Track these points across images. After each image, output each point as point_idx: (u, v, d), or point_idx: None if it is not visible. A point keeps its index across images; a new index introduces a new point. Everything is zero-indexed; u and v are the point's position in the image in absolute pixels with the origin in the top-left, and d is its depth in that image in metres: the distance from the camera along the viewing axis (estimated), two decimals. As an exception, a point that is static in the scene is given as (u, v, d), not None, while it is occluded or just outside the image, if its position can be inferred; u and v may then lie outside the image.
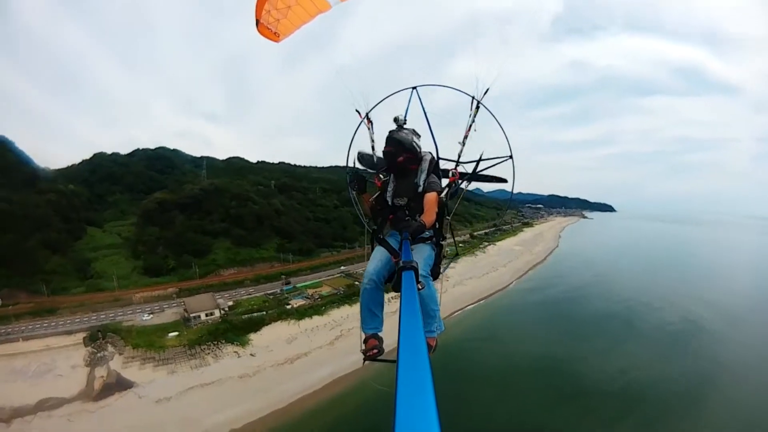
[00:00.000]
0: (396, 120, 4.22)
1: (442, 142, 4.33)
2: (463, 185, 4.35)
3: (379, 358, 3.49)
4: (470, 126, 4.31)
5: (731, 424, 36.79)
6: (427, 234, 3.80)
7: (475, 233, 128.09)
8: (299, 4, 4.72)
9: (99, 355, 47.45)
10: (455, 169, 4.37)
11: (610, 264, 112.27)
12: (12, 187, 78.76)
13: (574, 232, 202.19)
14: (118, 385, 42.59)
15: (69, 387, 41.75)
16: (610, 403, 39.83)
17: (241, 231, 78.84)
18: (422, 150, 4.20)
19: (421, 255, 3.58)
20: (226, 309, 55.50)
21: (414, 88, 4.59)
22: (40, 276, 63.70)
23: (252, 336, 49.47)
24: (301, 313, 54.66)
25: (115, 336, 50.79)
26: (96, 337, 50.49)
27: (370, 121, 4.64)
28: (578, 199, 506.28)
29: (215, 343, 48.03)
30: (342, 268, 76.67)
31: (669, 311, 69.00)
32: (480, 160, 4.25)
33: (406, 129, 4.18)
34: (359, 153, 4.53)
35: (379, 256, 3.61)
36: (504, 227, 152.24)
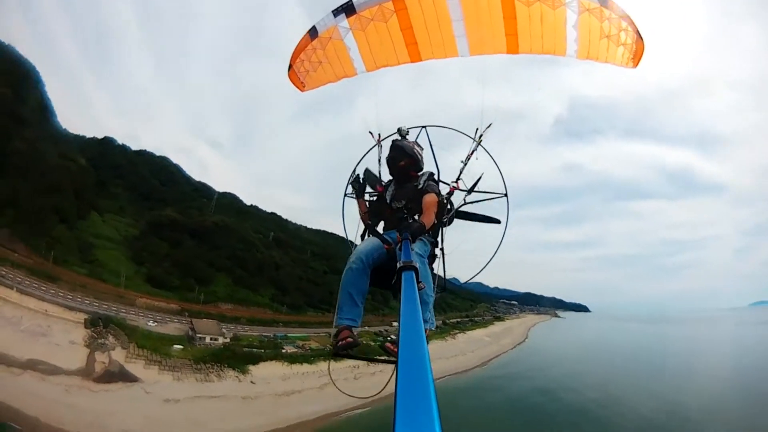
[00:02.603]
0: (399, 130, 4.67)
1: (444, 166, 4.86)
2: (461, 200, 4.70)
3: (351, 352, 3.26)
4: (473, 151, 4.87)
5: None
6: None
7: (448, 321, 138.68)
8: (330, 63, 5.39)
9: (100, 341, 50.39)
10: (455, 182, 4.78)
11: (574, 360, 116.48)
12: (38, 134, 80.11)
13: (544, 330, 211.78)
14: (121, 375, 46.41)
15: (66, 359, 44.20)
16: None
17: (244, 273, 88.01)
18: (423, 159, 4.63)
19: (416, 243, 3.66)
20: (229, 339, 62.95)
21: (424, 127, 5.18)
22: (45, 239, 65.28)
23: (251, 367, 56.87)
24: (293, 358, 62.87)
25: (118, 330, 54.40)
26: (97, 324, 53.41)
27: (380, 145, 5.17)
28: (554, 298, 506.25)
29: (219, 365, 54.74)
30: (328, 330, 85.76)
31: (624, 408, 69.38)
32: (478, 180, 4.68)
33: (409, 139, 4.66)
34: (366, 169, 5.01)
35: (370, 241, 3.76)
36: (476, 319, 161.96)
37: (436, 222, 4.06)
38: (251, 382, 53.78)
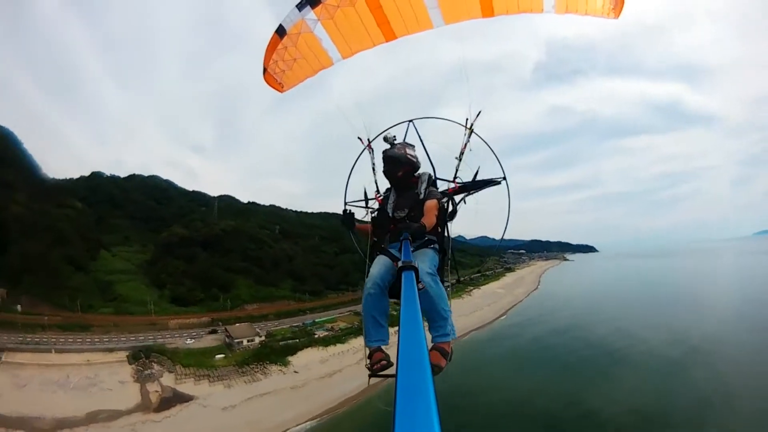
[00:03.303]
0: (386, 139, 4.53)
1: (438, 163, 4.73)
2: (459, 197, 4.66)
3: (387, 372, 3.34)
4: (466, 144, 4.75)
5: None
6: (428, 238, 3.98)
7: (461, 278, 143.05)
8: (304, 58, 5.17)
9: (146, 372, 52.81)
10: (454, 180, 4.74)
11: (586, 300, 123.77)
12: (29, 193, 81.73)
13: (555, 275, 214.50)
14: (176, 398, 48.56)
15: (122, 400, 46.06)
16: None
17: (261, 271, 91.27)
18: (418, 159, 4.51)
19: (425, 257, 3.72)
20: (264, 337, 67.00)
21: (410, 121, 5.12)
22: (66, 291, 67.75)
23: (290, 358, 61.30)
24: (326, 342, 67.38)
25: (160, 356, 57.50)
26: (139, 356, 56.27)
27: (371, 148, 5.07)
28: (560, 242, 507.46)
29: (261, 363, 58.81)
30: (351, 308, 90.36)
31: (635, 340, 74.54)
32: (476, 174, 4.63)
33: (398, 144, 4.51)
34: (365, 189, 4.91)
35: (381, 262, 3.70)
36: (487, 273, 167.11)
37: (438, 224, 4.11)
38: (294, 371, 58.17)
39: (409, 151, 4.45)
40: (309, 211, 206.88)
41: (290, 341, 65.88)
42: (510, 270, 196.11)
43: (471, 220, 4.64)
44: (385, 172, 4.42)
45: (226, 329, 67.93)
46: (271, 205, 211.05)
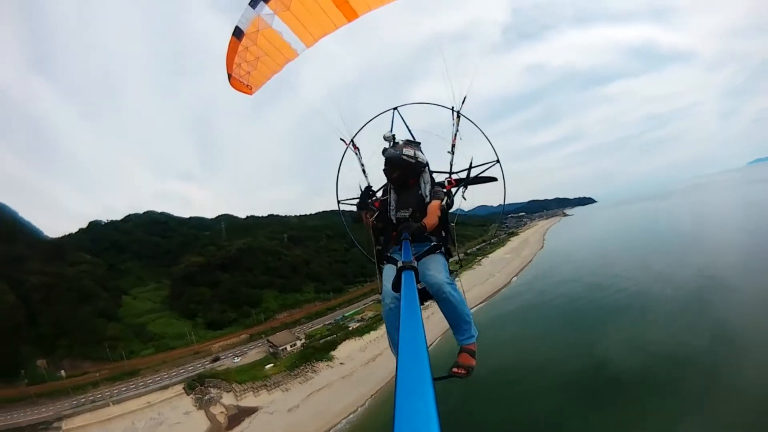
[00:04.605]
0: (385, 138, 4.38)
1: (430, 155, 4.48)
2: (460, 192, 4.50)
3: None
4: (455, 135, 4.58)
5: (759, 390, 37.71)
6: (433, 243, 3.94)
7: (468, 251, 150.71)
8: (267, 54, 4.98)
9: (206, 398, 55.98)
10: (450, 177, 4.57)
11: (588, 252, 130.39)
12: (40, 260, 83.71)
13: (557, 232, 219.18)
14: (242, 413, 52.12)
15: (193, 429, 49.19)
16: (628, 388, 42.45)
17: (283, 280, 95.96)
18: (419, 159, 4.24)
19: (438, 264, 3.71)
20: (304, 339, 72.11)
21: (395, 108, 4.90)
22: (105, 343, 69.72)
23: (333, 353, 66.85)
24: (361, 331, 72.98)
25: (215, 380, 60.70)
26: (194, 386, 59.19)
27: (356, 147, 4.83)
28: (558, 198, 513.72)
29: (308, 363, 64.08)
30: (373, 297, 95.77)
31: (636, 284, 78.91)
32: (470, 167, 4.46)
33: (400, 142, 4.37)
34: (360, 186, 4.66)
35: (392, 273, 3.65)
36: (492, 241, 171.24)
37: (441, 225, 4.03)
38: (340, 363, 63.72)
39: (407, 150, 4.20)
40: (308, 213, 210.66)
41: (328, 338, 71.35)
42: (513, 234, 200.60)
43: (467, 192, 4.54)
44: (383, 172, 4.31)
45: (268, 340, 72.94)
46: (269, 215, 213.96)
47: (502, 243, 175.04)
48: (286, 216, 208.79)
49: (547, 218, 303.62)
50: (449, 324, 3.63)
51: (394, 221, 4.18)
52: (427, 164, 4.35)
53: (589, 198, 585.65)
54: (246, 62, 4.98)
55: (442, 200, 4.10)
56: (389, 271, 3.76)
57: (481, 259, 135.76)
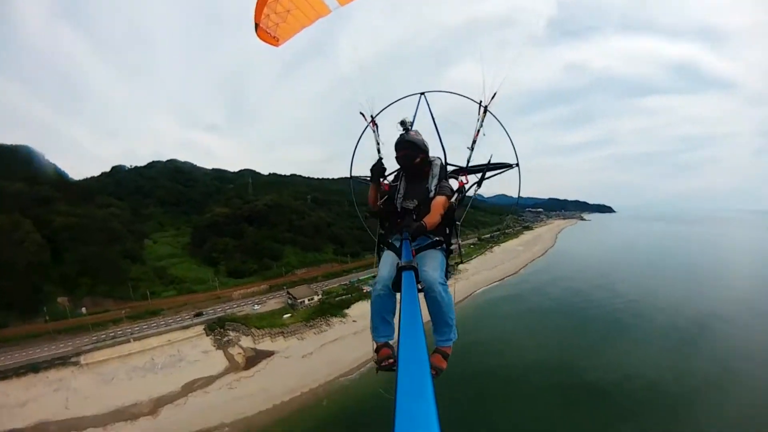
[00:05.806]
0: (403, 123, 4.29)
1: (448, 147, 4.45)
2: (472, 191, 4.40)
3: (393, 367, 3.38)
4: (478, 131, 4.41)
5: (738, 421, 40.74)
6: (436, 238, 3.87)
7: (482, 237, 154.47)
8: (298, 8, 4.86)
9: (225, 339, 58.67)
10: (464, 173, 4.45)
11: (596, 259, 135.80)
12: (67, 201, 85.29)
13: (570, 234, 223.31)
14: (259, 355, 54.87)
15: (212, 366, 50.71)
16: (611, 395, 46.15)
17: (305, 239, 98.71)
18: (430, 152, 4.27)
19: (435, 261, 3.68)
20: (321, 295, 74.81)
21: (422, 93, 4.81)
22: (130, 282, 72.12)
23: (347, 311, 71.39)
24: (374, 295, 75.10)
25: (234, 323, 63.90)
26: (214, 327, 62.20)
27: (375, 124, 4.74)
28: (577, 201, 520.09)
29: (324, 317, 68.65)
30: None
31: (633, 305, 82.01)
32: (488, 166, 4.38)
33: (414, 131, 4.29)
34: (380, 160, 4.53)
35: (389, 260, 3.69)
36: (507, 231, 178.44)
37: (444, 222, 3.98)
38: (353, 320, 68.14)
39: (417, 136, 4.20)
40: (330, 177, 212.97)
41: (344, 297, 74.21)
42: (528, 228, 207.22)
43: (489, 179, 4.36)
44: (399, 158, 4.17)
45: (288, 292, 76.97)
46: (292, 175, 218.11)
47: (516, 234, 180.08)
48: (309, 177, 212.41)
49: (564, 219, 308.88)
50: (432, 321, 3.59)
51: (399, 209, 4.24)
52: (438, 158, 4.35)
53: (609, 206, 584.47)
54: (275, 13, 4.82)
55: (449, 197, 4.05)
56: (387, 258, 3.74)
57: (493, 247, 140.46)
